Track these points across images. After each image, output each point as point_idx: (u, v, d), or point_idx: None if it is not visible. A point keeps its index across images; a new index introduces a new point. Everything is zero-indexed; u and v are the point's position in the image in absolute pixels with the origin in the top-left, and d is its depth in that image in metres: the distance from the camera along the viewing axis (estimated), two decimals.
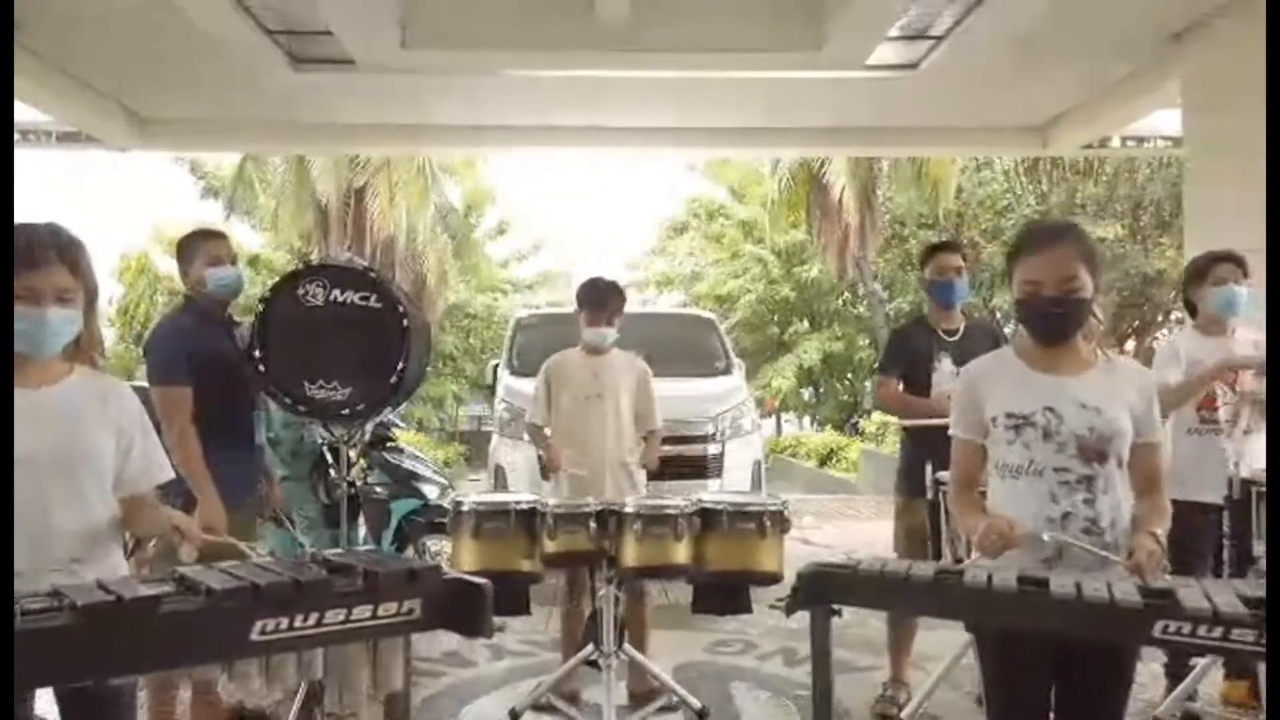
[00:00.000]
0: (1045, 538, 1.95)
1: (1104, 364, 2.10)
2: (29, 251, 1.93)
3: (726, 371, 7.42)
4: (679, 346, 7.54)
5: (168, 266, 20.10)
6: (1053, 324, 2.06)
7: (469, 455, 17.76)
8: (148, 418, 2.17)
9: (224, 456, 3.23)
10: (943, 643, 3.69)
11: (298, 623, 1.50)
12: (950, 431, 2.24)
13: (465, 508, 3.29)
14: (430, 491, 5.46)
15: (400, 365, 3.31)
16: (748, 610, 3.57)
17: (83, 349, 2.05)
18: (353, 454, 3.57)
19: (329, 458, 3.77)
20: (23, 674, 1.29)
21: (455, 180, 21.05)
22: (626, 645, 3.56)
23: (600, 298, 3.95)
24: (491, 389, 7.86)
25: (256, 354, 3.30)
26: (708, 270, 22.86)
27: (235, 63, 7.07)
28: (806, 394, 22.98)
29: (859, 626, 4.86)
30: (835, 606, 2.00)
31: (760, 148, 11.94)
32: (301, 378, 3.31)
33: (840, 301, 21.96)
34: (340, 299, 3.32)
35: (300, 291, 3.33)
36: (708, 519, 3.22)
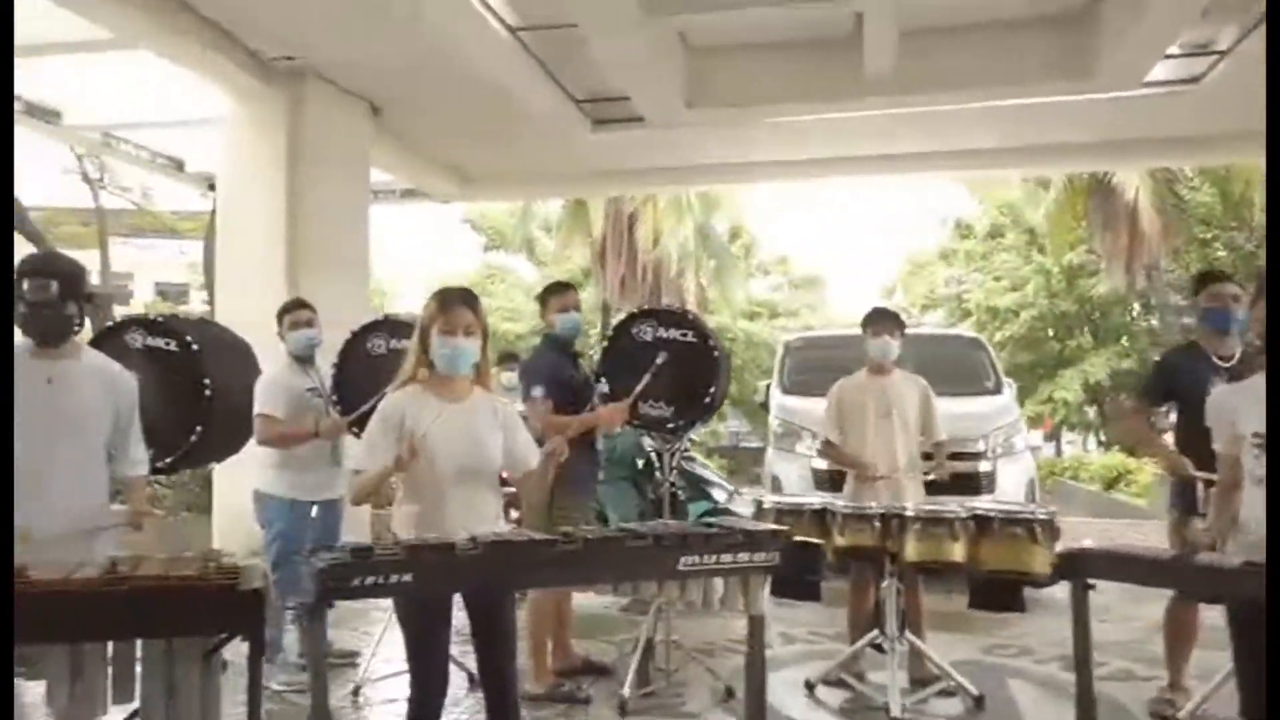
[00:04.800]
0: None
1: None
2: (447, 298, 2.84)
3: (996, 391, 7.57)
4: (947, 366, 7.77)
5: None
6: None
7: (731, 469, 18.55)
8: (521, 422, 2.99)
9: (573, 459, 4.10)
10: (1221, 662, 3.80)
11: (706, 559, 2.26)
12: (1214, 447, 2.61)
13: (766, 505, 3.99)
14: (719, 495, 6.22)
15: (713, 388, 4.05)
16: (1021, 609, 3.96)
17: (481, 376, 2.90)
18: (672, 461, 4.36)
19: (655, 463, 4.58)
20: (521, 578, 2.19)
21: (716, 209, 22.10)
22: (908, 633, 4.05)
23: (884, 317, 4.55)
24: (764, 407, 8.49)
25: (602, 379, 4.17)
26: (974, 288, 22.28)
27: (546, 126, 8.33)
28: (1090, 413, 21.62)
29: (1145, 643, 4.99)
30: (1090, 581, 2.45)
31: (1029, 166, 11.76)
32: (636, 398, 4.14)
33: (1128, 315, 20.56)
34: (665, 335, 4.13)
35: (634, 330, 4.18)
36: (981, 523, 3.66)
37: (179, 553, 2.50)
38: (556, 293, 4.44)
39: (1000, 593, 3.83)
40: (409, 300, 23.64)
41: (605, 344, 4.28)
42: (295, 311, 4.47)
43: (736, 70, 6.93)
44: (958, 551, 3.65)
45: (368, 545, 2.13)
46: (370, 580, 2.01)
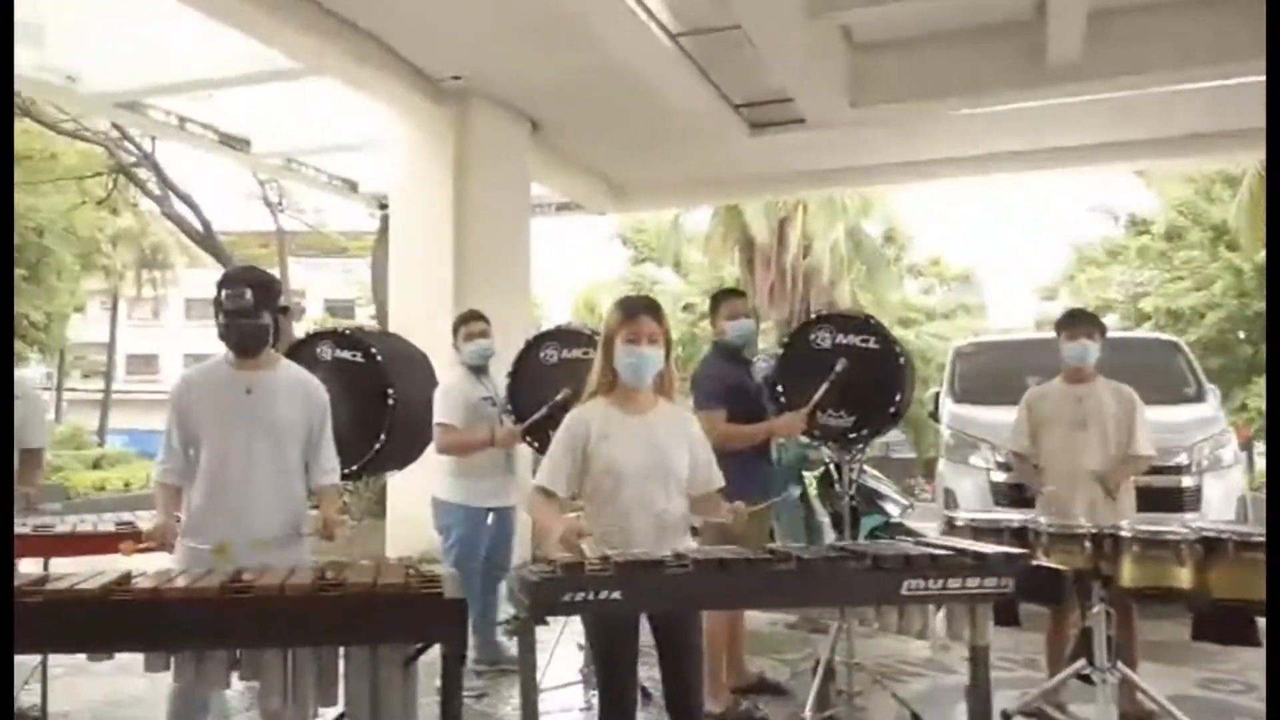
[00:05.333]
0: None
1: None
2: (630, 306, 2.76)
3: (1199, 399, 6.91)
4: (1141, 372, 7.14)
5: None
6: None
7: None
8: (706, 440, 2.87)
9: (747, 466, 3.97)
10: None
11: (932, 584, 2.07)
12: None
13: (960, 523, 3.71)
14: (892, 510, 5.92)
15: (899, 396, 3.83)
16: (1256, 643, 3.51)
17: (665, 386, 2.81)
18: (852, 473, 4.15)
19: (834, 475, 4.38)
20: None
21: (868, 210, 21.47)
22: (1120, 664, 3.68)
23: (1082, 318, 4.22)
24: (933, 416, 8.08)
25: (779, 387, 4.02)
26: (1150, 288, 20.68)
27: (702, 133, 8.25)
28: None
29: None
30: None
31: (1226, 152, 10.73)
32: (814, 407, 3.96)
33: None
34: (844, 342, 3.94)
35: (811, 337, 4.02)
36: (1211, 546, 3.27)
37: (358, 559, 2.53)
38: (727, 299, 4.33)
39: (1231, 624, 3.43)
40: (560, 313, 24.26)
41: (782, 351, 4.13)
42: (471, 323, 4.56)
43: (904, 64, 6.63)
44: (1183, 577, 3.27)
45: (578, 561, 2.07)
46: (580, 596, 1.96)
